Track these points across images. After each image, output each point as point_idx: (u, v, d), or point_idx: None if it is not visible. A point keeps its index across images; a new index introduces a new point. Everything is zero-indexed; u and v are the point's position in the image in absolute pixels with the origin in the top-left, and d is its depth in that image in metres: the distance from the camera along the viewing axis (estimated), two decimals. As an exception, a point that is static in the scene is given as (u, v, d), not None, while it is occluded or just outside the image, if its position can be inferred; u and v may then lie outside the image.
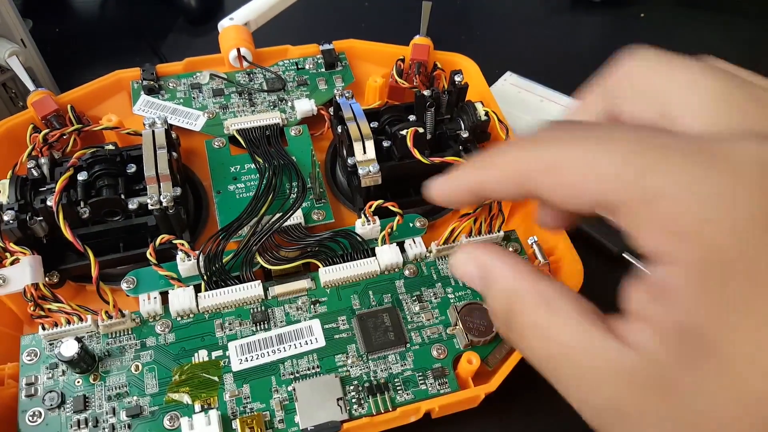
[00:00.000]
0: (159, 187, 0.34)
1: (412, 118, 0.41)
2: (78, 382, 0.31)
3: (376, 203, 0.36)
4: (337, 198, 0.40)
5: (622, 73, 0.20)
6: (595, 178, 0.16)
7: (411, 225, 0.37)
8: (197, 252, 0.34)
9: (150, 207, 0.33)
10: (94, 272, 0.32)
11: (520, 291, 0.19)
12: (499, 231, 0.37)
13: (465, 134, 0.39)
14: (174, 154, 0.37)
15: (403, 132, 0.37)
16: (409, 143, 0.36)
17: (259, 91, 0.44)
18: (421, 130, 0.37)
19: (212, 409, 0.30)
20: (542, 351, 0.18)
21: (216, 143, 0.40)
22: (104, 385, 0.31)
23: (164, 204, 0.33)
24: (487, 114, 0.40)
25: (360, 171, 0.36)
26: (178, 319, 0.33)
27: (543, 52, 0.58)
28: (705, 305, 0.15)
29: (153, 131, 0.36)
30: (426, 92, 0.39)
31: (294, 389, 0.31)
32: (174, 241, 0.34)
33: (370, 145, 0.37)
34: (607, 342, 0.16)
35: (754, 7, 0.57)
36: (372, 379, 0.32)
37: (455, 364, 0.33)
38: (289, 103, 0.44)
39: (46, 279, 0.33)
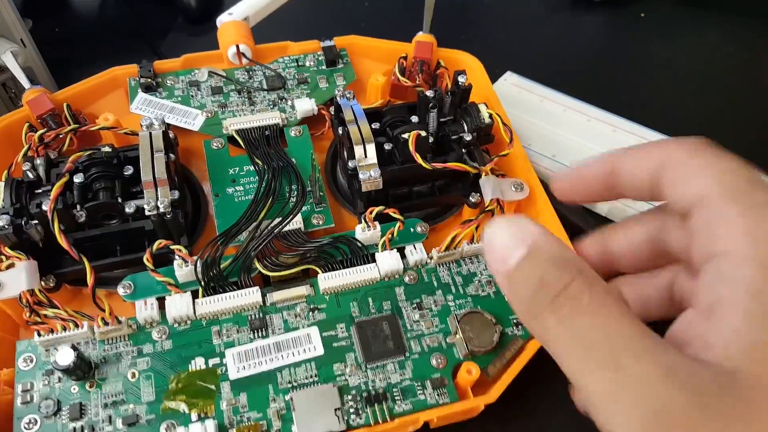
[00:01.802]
0: (156, 191, 0.33)
1: (414, 119, 0.40)
2: (74, 389, 0.31)
3: (377, 209, 0.35)
4: (336, 200, 0.40)
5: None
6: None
7: (412, 230, 0.37)
8: (195, 258, 0.33)
9: (147, 213, 0.33)
10: (89, 280, 0.31)
11: (581, 266, 0.17)
12: (501, 237, 0.37)
13: (468, 137, 0.38)
14: (171, 155, 0.36)
15: (405, 135, 0.37)
16: (411, 147, 0.36)
17: (259, 90, 0.43)
18: (423, 133, 0.37)
19: (209, 418, 0.30)
20: (582, 336, 0.16)
21: (215, 144, 0.40)
22: (100, 392, 0.31)
23: (161, 210, 0.33)
24: (491, 116, 0.39)
25: (360, 175, 0.36)
26: (175, 325, 0.33)
27: (543, 52, 0.57)
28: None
29: (150, 133, 0.35)
30: (429, 93, 0.39)
31: (291, 399, 0.31)
32: (171, 247, 0.33)
33: (371, 148, 0.36)
34: (667, 348, 0.15)
35: (755, 7, 0.57)
36: (370, 388, 0.32)
37: (454, 374, 0.33)
38: (290, 102, 0.43)
39: (42, 283, 0.33)
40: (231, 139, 0.40)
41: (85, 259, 0.32)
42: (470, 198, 0.39)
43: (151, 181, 0.34)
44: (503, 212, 0.37)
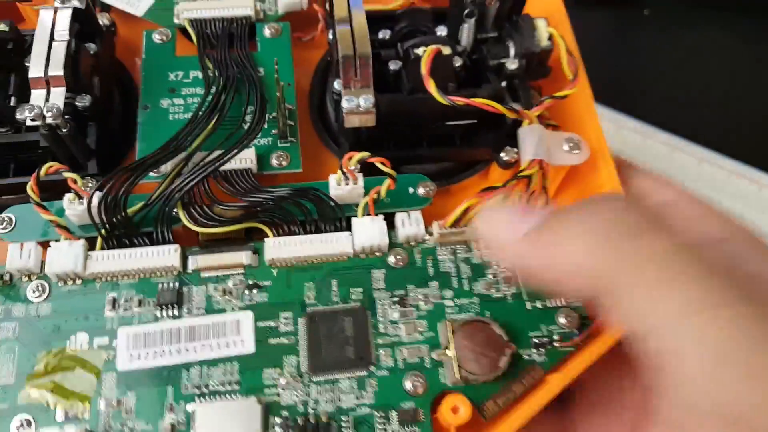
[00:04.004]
0: (48, 93, 0.24)
1: (441, 31, 0.29)
2: None
3: (358, 155, 0.24)
4: (322, 140, 0.29)
5: None
6: None
7: (411, 191, 0.26)
8: (93, 193, 0.24)
9: (29, 122, 0.23)
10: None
11: None
12: (537, 216, 0.25)
13: (513, 65, 0.27)
14: (92, 46, 0.26)
15: (420, 51, 0.25)
16: (425, 69, 0.24)
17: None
18: (447, 50, 0.25)
19: (79, 421, 0.22)
20: None
21: (158, 37, 0.29)
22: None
23: (48, 119, 0.23)
24: (551, 38, 0.27)
25: (344, 103, 0.24)
26: (60, 284, 0.24)
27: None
28: None
29: (56, 10, 0.25)
30: (467, -7, 0.26)
31: (194, 412, 0.22)
32: (64, 174, 0.24)
33: (365, 61, 0.25)
34: None
35: (758, 5, 0.56)
36: (310, 411, 0.22)
37: (435, 407, 0.23)
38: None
39: None
40: (184, 32, 0.29)
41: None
42: (502, 155, 0.27)
43: (41, 77, 0.24)
44: (545, 180, 0.26)
